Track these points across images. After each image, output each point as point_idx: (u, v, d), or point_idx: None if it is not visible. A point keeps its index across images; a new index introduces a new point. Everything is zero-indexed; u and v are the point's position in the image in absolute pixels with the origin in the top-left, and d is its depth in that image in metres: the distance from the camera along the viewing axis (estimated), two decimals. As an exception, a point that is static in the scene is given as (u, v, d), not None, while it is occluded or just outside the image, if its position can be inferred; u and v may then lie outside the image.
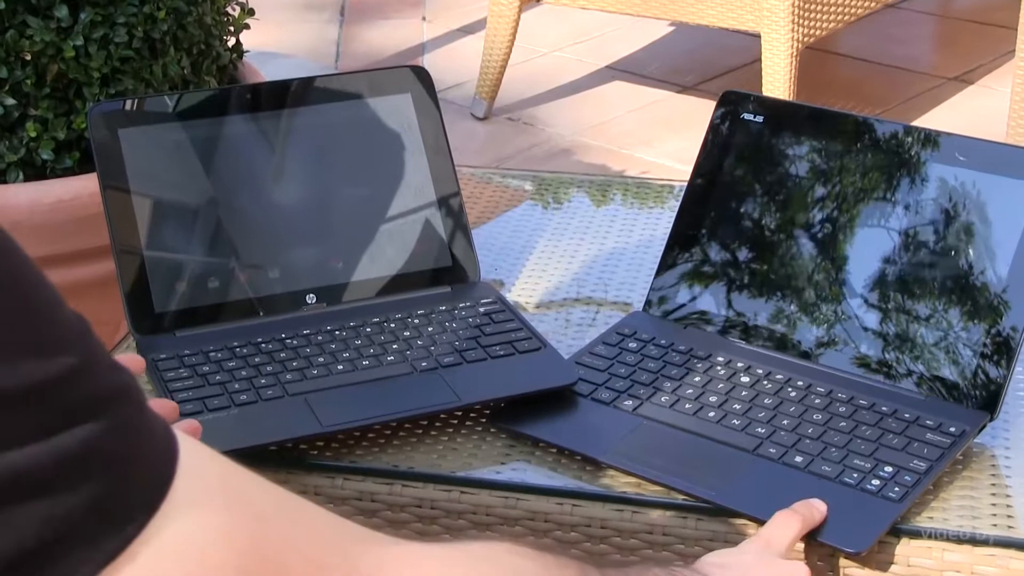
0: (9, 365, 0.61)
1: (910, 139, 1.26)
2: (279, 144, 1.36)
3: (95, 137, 1.29)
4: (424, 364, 1.23)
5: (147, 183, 1.30)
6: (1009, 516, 1.09)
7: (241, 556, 0.69)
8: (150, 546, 0.65)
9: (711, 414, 1.19)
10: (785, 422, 1.17)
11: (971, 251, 1.21)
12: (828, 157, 1.29)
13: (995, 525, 1.07)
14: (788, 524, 1.05)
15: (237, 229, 1.33)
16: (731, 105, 1.34)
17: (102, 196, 1.28)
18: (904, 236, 1.24)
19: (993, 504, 1.10)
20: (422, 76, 1.41)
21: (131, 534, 0.65)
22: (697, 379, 1.23)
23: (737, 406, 1.19)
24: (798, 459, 1.13)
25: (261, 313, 1.30)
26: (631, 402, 1.21)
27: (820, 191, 1.29)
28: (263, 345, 1.25)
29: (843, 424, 1.16)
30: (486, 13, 3.36)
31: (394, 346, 1.26)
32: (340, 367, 1.23)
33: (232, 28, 1.52)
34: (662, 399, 1.21)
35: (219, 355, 1.23)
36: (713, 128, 1.34)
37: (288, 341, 1.26)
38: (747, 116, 1.33)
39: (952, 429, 1.14)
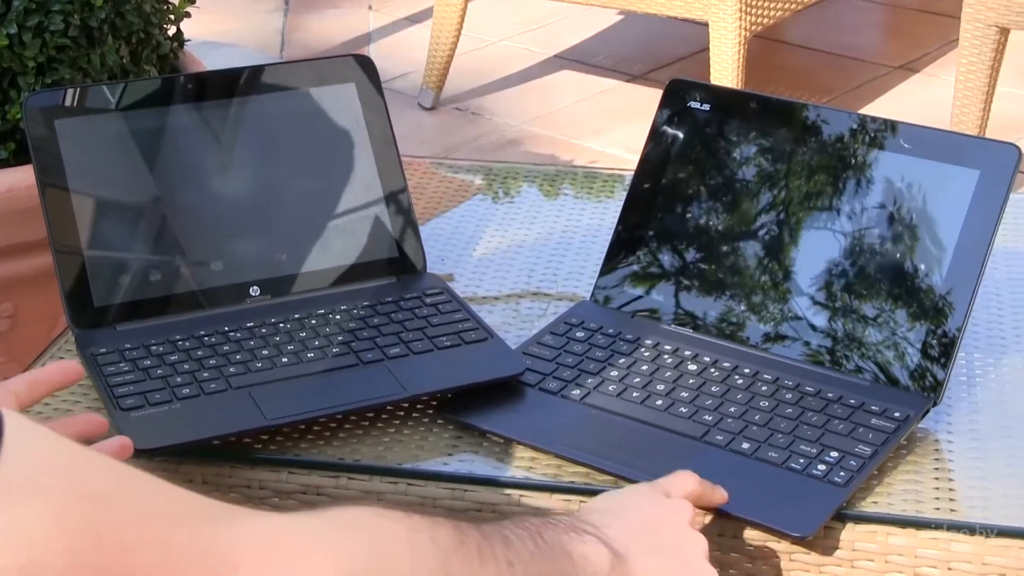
0: None
1: (857, 127, 1.26)
2: (221, 135, 1.35)
3: (31, 128, 1.27)
4: (370, 356, 1.23)
5: (85, 175, 1.28)
6: (952, 499, 1.09)
7: (74, 538, 0.67)
8: None
9: (658, 402, 1.19)
10: (732, 409, 1.17)
11: (916, 238, 1.22)
12: (775, 145, 1.29)
13: (938, 508, 1.08)
14: (685, 480, 1.05)
15: (179, 221, 1.31)
16: (678, 94, 1.34)
17: (39, 188, 1.26)
18: (851, 224, 1.25)
19: (936, 488, 1.10)
20: (366, 65, 1.40)
21: None
22: (644, 368, 1.23)
23: (684, 394, 1.19)
24: (745, 446, 1.13)
25: (204, 306, 1.29)
26: (579, 391, 1.21)
27: (767, 180, 1.29)
28: (206, 338, 1.24)
29: (789, 411, 1.17)
30: (433, 2, 3.35)
31: (339, 338, 1.25)
32: (284, 360, 1.22)
33: (172, 16, 1.51)
34: (610, 388, 1.21)
35: (161, 349, 1.22)
36: (660, 117, 1.34)
37: (231, 334, 1.25)
38: (694, 104, 1.33)
39: (896, 414, 1.15)
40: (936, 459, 1.14)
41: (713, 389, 1.20)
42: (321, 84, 1.37)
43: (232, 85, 1.36)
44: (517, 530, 0.91)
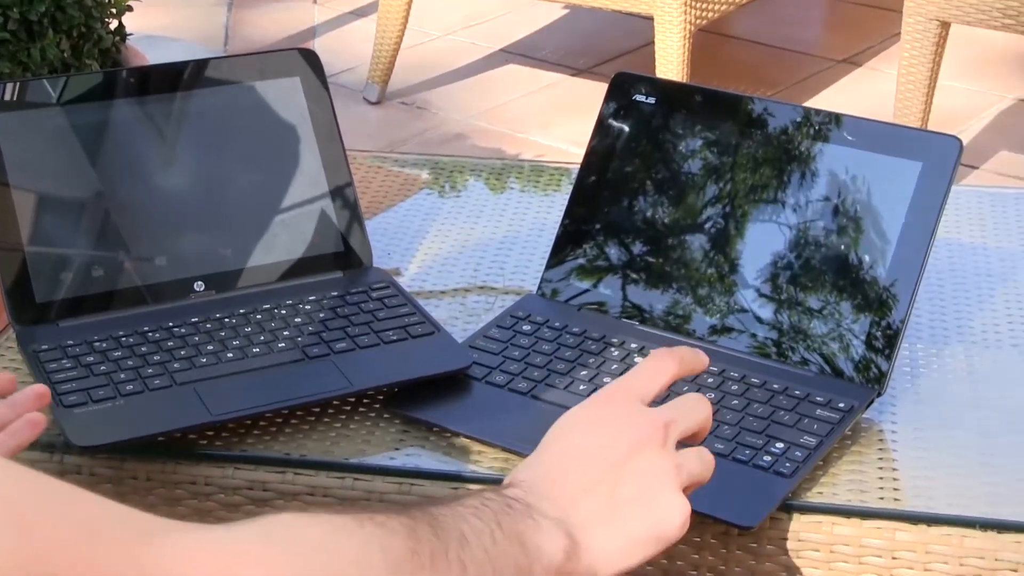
0: None
1: (801, 120, 1.27)
2: (165, 129, 1.34)
3: None
4: (316, 350, 1.22)
5: (26, 170, 1.27)
6: (896, 489, 1.10)
7: None
8: None
9: None
10: (672, 399, 1.17)
11: (860, 230, 1.23)
12: (720, 138, 1.30)
13: (882, 498, 1.09)
14: (661, 366, 1.00)
15: (122, 216, 1.30)
16: (623, 87, 1.35)
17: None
18: (796, 216, 1.25)
19: (880, 478, 1.11)
20: (311, 59, 1.39)
21: None
22: (591, 361, 1.23)
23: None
24: None
25: (148, 302, 1.28)
26: (525, 385, 1.21)
27: (713, 173, 1.29)
28: (150, 334, 1.23)
29: (735, 402, 1.17)
30: (378, -4, 3.34)
31: (285, 333, 1.25)
32: (230, 355, 1.21)
33: (114, 10, 1.49)
34: (556, 381, 1.21)
35: (104, 345, 1.21)
36: (605, 110, 1.34)
37: (176, 329, 1.24)
38: (639, 98, 1.33)
39: (841, 405, 1.16)
40: (880, 449, 1.15)
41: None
42: (265, 78, 1.37)
43: (176, 79, 1.35)
44: (476, 522, 0.89)
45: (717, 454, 1.11)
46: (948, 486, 1.10)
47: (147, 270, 1.29)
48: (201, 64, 1.36)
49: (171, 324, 1.25)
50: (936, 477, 1.11)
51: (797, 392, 1.18)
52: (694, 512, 1.05)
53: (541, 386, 1.21)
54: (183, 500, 1.15)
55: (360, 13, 3.93)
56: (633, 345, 1.24)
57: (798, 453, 1.11)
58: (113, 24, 1.51)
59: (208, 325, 1.25)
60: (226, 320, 1.26)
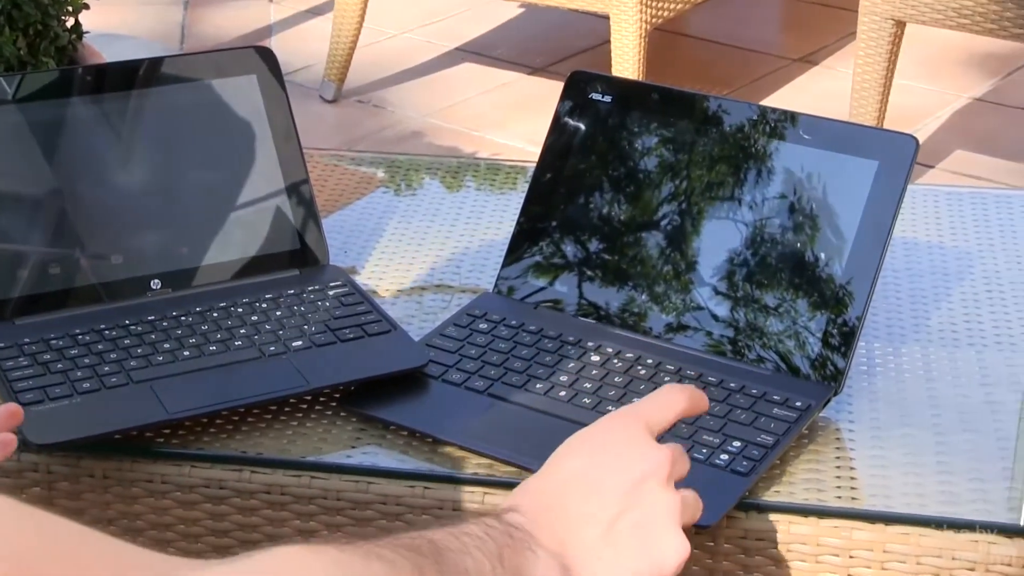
0: None
1: (758, 118, 1.27)
2: (121, 127, 1.33)
3: None
4: (272, 348, 1.22)
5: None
6: (853, 488, 1.11)
7: None
8: None
9: (562, 393, 1.19)
10: (636, 399, 1.17)
11: (816, 229, 1.23)
12: (677, 136, 1.30)
13: (839, 497, 1.09)
14: (672, 401, 0.99)
15: (78, 214, 1.30)
16: (579, 85, 1.35)
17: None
18: (752, 214, 1.25)
19: (838, 476, 1.12)
20: (267, 57, 1.39)
21: None
22: (548, 359, 1.23)
23: (588, 385, 1.19)
24: None
25: (104, 299, 1.27)
26: (482, 383, 1.21)
27: (669, 171, 1.30)
28: (106, 332, 1.22)
29: None
30: (334, -6, 3.33)
31: (241, 331, 1.24)
32: (186, 353, 1.21)
33: (71, 8, 1.49)
34: (513, 379, 1.21)
35: (60, 343, 1.21)
36: (561, 108, 1.34)
37: (132, 327, 1.23)
38: (595, 96, 1.33)
39: (798, 404, 1.16)
40: (837, 448, 1.16)
41: (616, 380, 1.20)
42: (222, 76, 1.36)
43: (132, 77, 1.34)
44: (479, 556, 0.87)
45: (673, 452, 1.11)
46: (904, 485, 1.11)
47: (103, 268, 1.28)
48: (157, 62, 1.35)
49: (128, 322, 1.24)
50: (893, 476, 1.12)
51: (754, 391, 1.18)
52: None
53: (498, 384, 1.20)
54: (140, 498, 1.14)
55: (316, 11, 3.92)
56: (590, 344, 1.24)
57: (755, 452, 1.11)
58: (70, 22, 1.50)
59: (165, 323, 1.24)
60: (183, 318, 1.25)
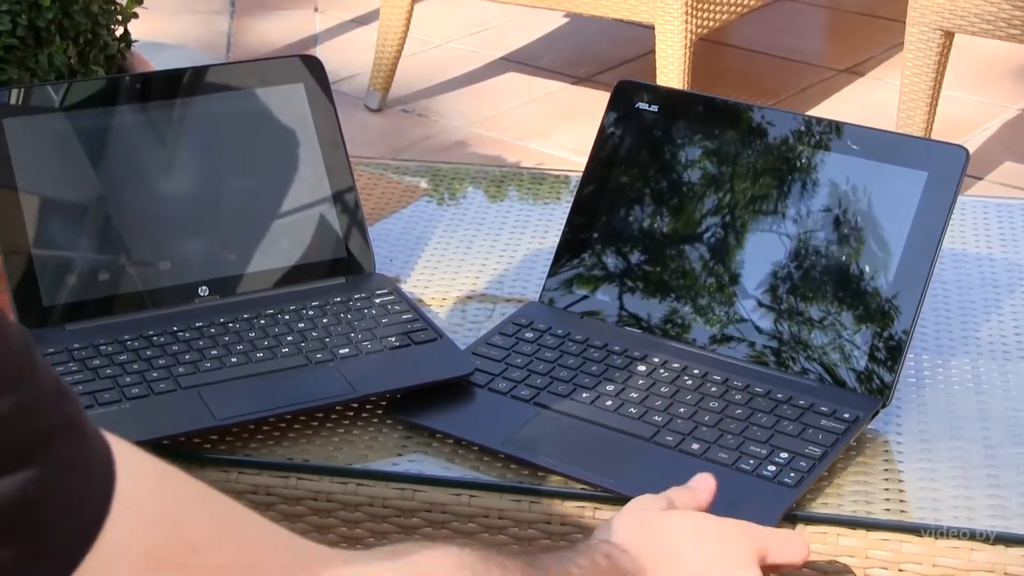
0: None
1: (804, 128, 1.27)
2: (170, 135, 1.34)
3: None
4: (319, 356, 1.22)
5: (35, 174, 1.27)
6: (901, 500, 1.10)
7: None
8: None
9: (608, 403, 1.19)
10: (682, 410, 1.17)
11: (863, 240, 1.22)
12: (722, 147, 1.29)
13: (888, 510, 1.09)
14: (793, 547, 1.02)
15: (128, 221, 1.30)
16: (626, 95, 1.34)
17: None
18: (798, 226, 1.25)
19: (886, 489, 1.11)
20: (314, 66, 1.39)
21: None
22: (594, 368, 1.23)
23: (634, 395, 1.19)
24: (695, 446, 1.13)
25: (153, 306, 1.28)
26: (528, 392, 1.20)
27: (714, 182, 1.29)
28: (155, 338, 1.23)
29: (739, 411, 1.17)
30: (379, 4, 3.34)
31: (288, 338, 1.24)
32: (233, 359, 1.21)
33: (120, 17, 1.50)
34: (559, 388, 1.21)
35: (110, 348, 1.21)
36: (608, 118, 1.34)
37: (180, 334, 1.24)
38: (642, 106, 1.33)
39: (846, 415, 1.15)
40: (886, 460, 1.15)
41: (663, 390, 1.20)
42: (269, 84, 1.37)
43: (180, 85, 1.35)
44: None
45: (721, 463, 1.11)
46: (954, 498, 1.10)
47: (152, 275, 1.29)
48: (206, 70, 1.36)
49: (176, 328, 1.25)
50: (942, 489, 1.11)
51: (801, 402, 1.17)
52: None
53: (544, 393, 1.20)
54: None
55: (361, 21, 3.93)
56: (636, 353, 1.24)
57: (803, 463, 1.11)
58: (119, 31, 1.51)
59: (212, 330, 1.25)
60: (230, 325, 1.26)
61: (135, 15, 1.55)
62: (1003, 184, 3.03)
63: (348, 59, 3.63)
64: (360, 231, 1.37)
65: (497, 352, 1.25)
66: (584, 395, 1.20)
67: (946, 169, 1.21)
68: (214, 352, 1.22)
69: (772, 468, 1.10)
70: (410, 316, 1.28)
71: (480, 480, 1.13)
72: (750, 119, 1.29)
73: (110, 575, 0.65)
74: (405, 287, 1.39)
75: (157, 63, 1.56)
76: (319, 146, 1.37)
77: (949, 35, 2.73)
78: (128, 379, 1.18)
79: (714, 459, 1.12)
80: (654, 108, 1.33)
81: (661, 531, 0.99)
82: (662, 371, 1.22)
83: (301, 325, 1.26)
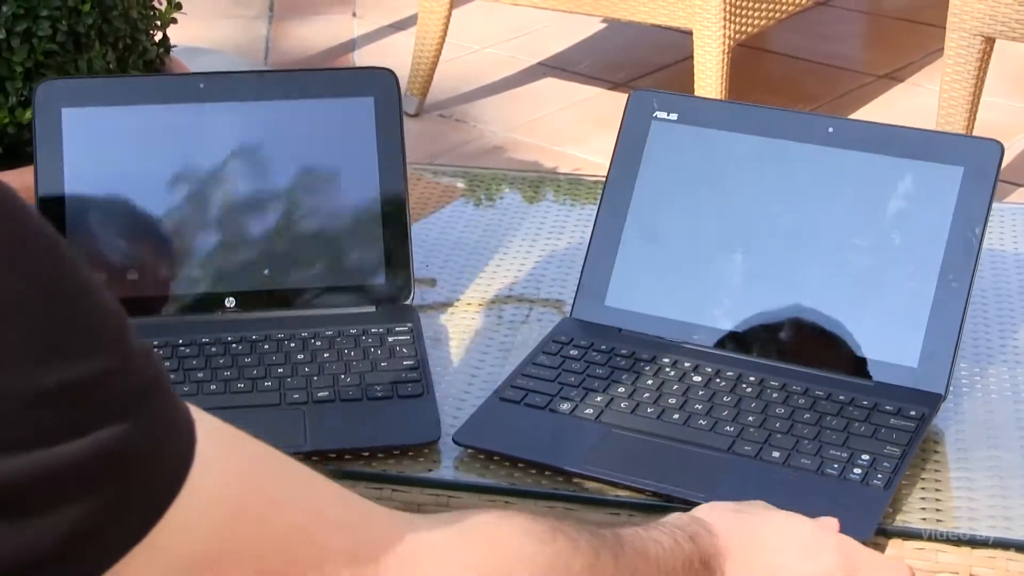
0: (47, 364, 0.63)
1: (833, 131, 1.26)
2: (227, 139, 1.31)
3: (39, 117, 1.26)
4: (295, 396, 1.19)
5: (84, 166, 1.27)
6: (938, 510, 1.09)
7: (245, 545, 0.72)
8: (155, 550, 0.67)
9: (675, 416, 1.17)
10: (750, 419, 1.16)
11: (906, 236, 1.21)
12: (749, 152, 1.28)
13: (924, 519, 1.08)
14: (892, 571, 1.02)
15: (168, 223, 1.29)
16: (641, 104, 1.33)
17: (35, 176, 1.26)
18: (838, 225, 1.24)
19: (923, 498, 1.10)
20: (387, 80, 1.35)
21: (139, 534, 0.67)
22: (649, 382, 1.20)
23: (699, 406, 1.17)
24: (775, 454, 1.12)
25: (177, 312, 1.27)
26: (591, 410, 1.18)
27: (746, 188, 1.28)
28: (156, 350, 1.21)
29: (807, 416, 1.15)
30: (417, 9, 3.35)
31: (279, 369, 1.22)
32: (213, 387, 1.20)
33: (159, 22, 1.51)
34: (621, 405, 1.18)
35: None
36: (624, 128, 1.32)
37: (181, 349, 1.23)
38: (660, 115, 1.32)
39: (912, 413, 1.15)
40: (923, 469, 1.14)
41: (725, 399, 1.18)
42: (338, 96, 1.33)
43: (246, 89, 1.32)
44: (663, 551, 0.93)
45: (805, 469, 1.10)
46: (991, 508, 1.09)
47: (182, 280, 1.28)
48: (273, 75, 1.33)
49: (180, 342, 1.24)
50: (979, 499, 1.10)
51: (865, 402, 1.16)
52: None
53: (607, 411, 1.17)
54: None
55: (399, 26, 3.93)
56: (687, 364, 1.22)
57: (886, 464, 1.10)
58: (158, 36, 1.52)
59: (213, 348, 1.23)
60: (233, 346, 1.24)
61: (174, 20, 1.55)
62: (1043, 191, 3.01)
63: (386, 64, 3.63)
64: (403, 260, 1.32)
65: (547, 372, 1.23)
66: (648, 410, 1.18)
67: (982, 163, 1.21)
68: (200, 375, 1.20)
69: (858, 471, 1.10)
70: (410, 364, 1.23)
71: (515, 487, 1.13)
72: (771, 122, 1.28)
73: (193, 524, 0.69)
74: (439, 291, 1.39)
75: (195, 68, 1.56)
76: (377, 166, 1.33)
77: (990, 40, 2.72)
78: None
79: (797, 465, 1.11)
80: (672, 116, 1.31)
81: (756, 524, 0.99)
82: (719, 380, 1.20)
83: (300, 357, 1.23)
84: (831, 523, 1.02)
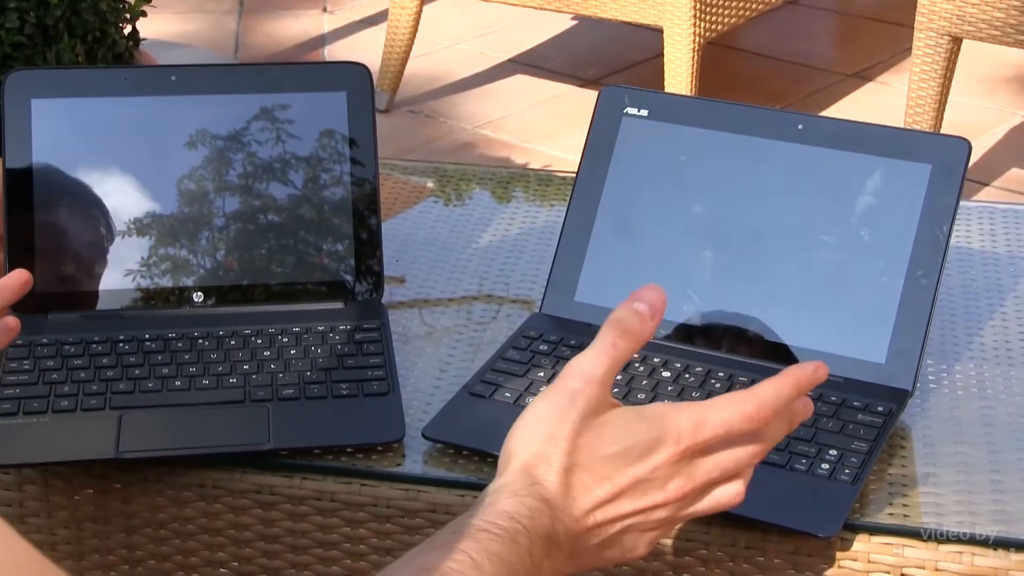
0: None
1: (803, 127, 1.26)
2: (197, 131, 1.31)
3: (8, 107, 1.26)
4: (260, 393, 1.18)
5: (52, 156, 1.27)
6: (905, 505, 1.09)
7: None
8: None
9: None
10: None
11: (874, 233, 1.22)
12: (719, 149, 1.28)
13: (891, 514, 1.08)
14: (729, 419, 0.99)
15: (135, 215, 1.29)
16: (612, 100, 1.33)
17: (3, 166, 1.26)
18: (807, 221, 1.24)
19: (890, 493, 1.10)
20: (360, 75, 1.34)
21: None
22: (619, 377, 1.21)
23: (667, 401, 1.18)
24: None
25: (143, 306, 1.27)
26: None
27: (711, 184, 1.28)
28: (120, 344, 1.21)
29: None
30: (388, 5, 3.35)
31: (245, 366, 1.20)
32: (177, 383, 1.18)
33: (128, 15, 1.50)
34: None
35: (72, 349, 1.20)
36: (595, 124, 1.32)
37: (147, 343, 1.22)
38: (631, 111, 1.32)
39: (880, 408, 1.15)
40: (889, 464, 1.15)
41: (694, 395, 1.18)
42: (311, 90, 1.32)
43: (216, 81, 1.32)
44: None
45: (773, 464, 1.10)
46: (958, 503, 1.09)
47: (149, 274, 1.28)
48: (244, 68, 1.32)
49: (146, 336, 1.23)
50: (945, 494, 1.11)
51: (832, 398, 1.17)
52: (769, 524, 1.05)
53: None
54: (191, 503, 1.14)
55: (370, 22, 3.93)
56: (656, 359, 1.22)
57: (853, 459, 1.10)
58: (127, 29, 1.51)
59: (180, 343, 1.22)
60: (199, 341, 1.23)
61: (143, 14, 1.55)
62: (1009, 190, 3.03)
63: (356, 59, 3.64)
64: (373, 256, 1.32)
65: (517, 367, 1.23)
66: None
67: (950, 161, 1.21)
68: (165, 371, 1.19)
69: (825, 467, 1.10)
70: (377, 361, 1.22)
71: (484, 482, 1.12)
72: (743, 120, 1.28)
73: None
74: (408, 288, 1.39)
75: (165, 62, 1.56)
76: (349, 161, 1.32)
77: (957, 41, 2.73)
78: (66, 388, 1.16)
79: (765, 460, 1.11)
80: (643, 112, 1.32)
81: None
82: (688, 376, 1.20)
83: (267, 353, 1.22)
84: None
